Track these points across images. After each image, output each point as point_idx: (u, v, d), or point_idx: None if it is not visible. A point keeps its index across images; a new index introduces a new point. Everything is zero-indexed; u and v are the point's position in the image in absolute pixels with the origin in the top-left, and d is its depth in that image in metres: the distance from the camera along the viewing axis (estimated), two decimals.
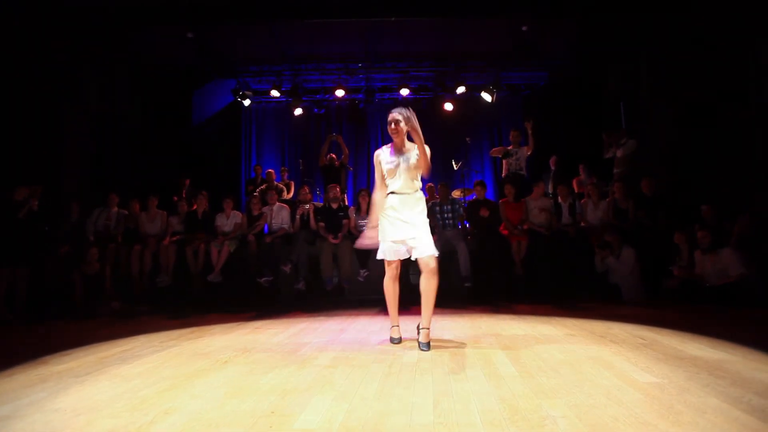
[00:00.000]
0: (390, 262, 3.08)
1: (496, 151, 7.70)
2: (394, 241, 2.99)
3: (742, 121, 5.91)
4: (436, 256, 2.94)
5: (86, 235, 5.87)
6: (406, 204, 2.99)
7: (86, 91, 7.14)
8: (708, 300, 4.67)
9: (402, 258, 3.07)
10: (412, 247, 2.96)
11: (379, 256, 3.09)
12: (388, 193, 3.05)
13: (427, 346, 2.90)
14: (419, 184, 3.08)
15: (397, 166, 2.99)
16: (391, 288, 3.14)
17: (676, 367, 2.32)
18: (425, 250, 2.91)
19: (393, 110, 3.02)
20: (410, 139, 3.04)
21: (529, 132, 7.17)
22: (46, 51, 6.55)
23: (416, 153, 2.98)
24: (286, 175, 8.79)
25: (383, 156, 3.07)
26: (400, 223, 2.97)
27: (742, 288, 4.53)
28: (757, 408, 1.73)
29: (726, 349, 2.68)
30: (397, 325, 3.21)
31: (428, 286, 2.93)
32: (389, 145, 3.11)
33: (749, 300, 4.44)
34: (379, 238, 3.06)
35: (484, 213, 6.10)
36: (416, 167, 3.01)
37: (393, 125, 2.97)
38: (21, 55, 6.31)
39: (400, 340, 3.14)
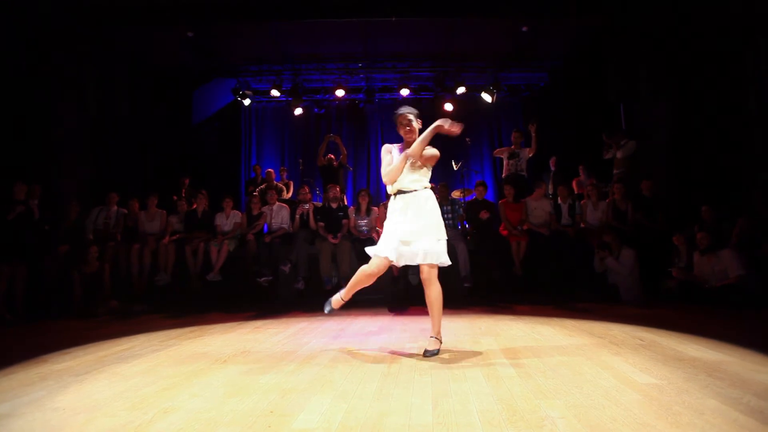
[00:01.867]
0: (382, 260, 2.82)
1: (500, 152, 7.63)
2: (402, 242, 2.79)
3: (742, 122, 5.92)
4: (434, 264, 2.77)
5: (85, 234, 5.86)
6: (412, 204, 2.82)
7: (86, 90, 7.13)
8: (707, 301, 4.67)
9: (402, 264, 2.86)
10: (414, 253, 2.78)
11: (379, 252, 2.83)
12: (394, 194, 2.89)
13: (431, 353, 2.73)
14: (428, 182, 2.92)
15: (409, 164, 2.86)
16: (364, 280, 2.91)
17: (675, 368, 2.32)
18: (423, 257, 2.75)
19: (402, 109, 2.93)
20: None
21: (533, 134, 7.13)
22: (46, 50, 6.54)
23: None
24: (285, 174, 8.80)
25: (395, 151, 2.93)
26: (407, 224, 2.79)
27: (741, 289, 4.53)
28: (756, 409, 1.73)
29: (725, 350, 2.68)
30: (344, 300, 3.06)
31: (428, 294, 2.81)
32: (398, 145, 2.97)
33: (748, 301, 4.44)
34: (383, 240, 2.87)
35: (484, 215, 6.09)
36: (423, 163, 2.88)
37: (408, 126, 2.88)
38: (20, 55, 6.30)
39: (331, 311, 3.08)
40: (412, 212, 2.82)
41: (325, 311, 3.10)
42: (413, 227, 2.79)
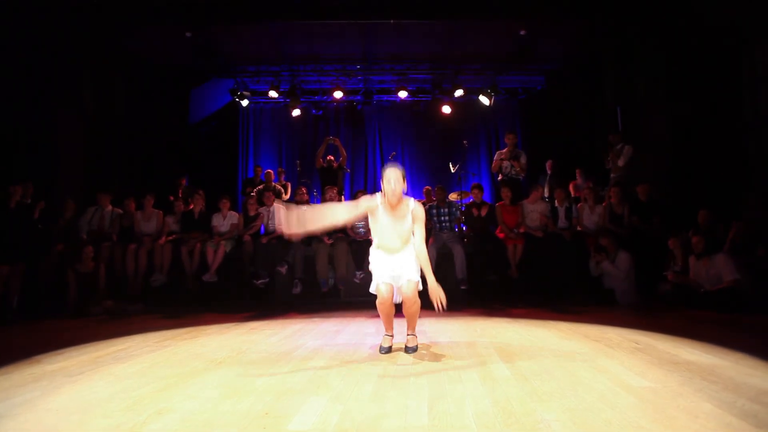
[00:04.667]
0: (385, 286, 2.89)
1: (499, 162, 7.19)
2: (392, 275, 2.87)
3: (737, 126, 5.96)
4: (416, 282, 2.82)
5: (80, 234, 5.83)
6: (392, 254, 2.92)
7: (83, 89, 7.11)
8: (702, 305, 4.69)
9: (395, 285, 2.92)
10: (399, 285, 2.88)
11: (372, 290, 2.96)
12: (376, 245, 2.98)
13: (412, 349, 2.91)
14: (411, 239, 2.94)
15: (391, 225, 2.86)
16: (386, 307, 2.94)
17: (670, 371, 2.33)
18: (404, 282, 2.83)
19: (390, 167, 2.80)
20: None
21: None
22: (43, 50, 6.52)
23: (410, 217, 2.85)
24: (283, 176, 8.79)
25: (377, 210, 2.86)
26: (390, 260, 2.89)
27: (736, 293, 4.55)
28: (749, 413, 1.74)
29: (719, 354, 2.69)
30: (390, 335, 3.01)
31: (408, 310, 2.88)
32: (381, 197, 2.87)
33: (742, 305, 4.46)
34: (377, 273, 2.93)
35: (475, 212, 6.09)
36: (410, 231, 2.88)
37: (393, 184, 2.76)
38: (17, 54, 6.27)
39: (388, 350, 2.91)
40: (394, 255, 2.92)
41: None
42: (397, 263, 2.89)
